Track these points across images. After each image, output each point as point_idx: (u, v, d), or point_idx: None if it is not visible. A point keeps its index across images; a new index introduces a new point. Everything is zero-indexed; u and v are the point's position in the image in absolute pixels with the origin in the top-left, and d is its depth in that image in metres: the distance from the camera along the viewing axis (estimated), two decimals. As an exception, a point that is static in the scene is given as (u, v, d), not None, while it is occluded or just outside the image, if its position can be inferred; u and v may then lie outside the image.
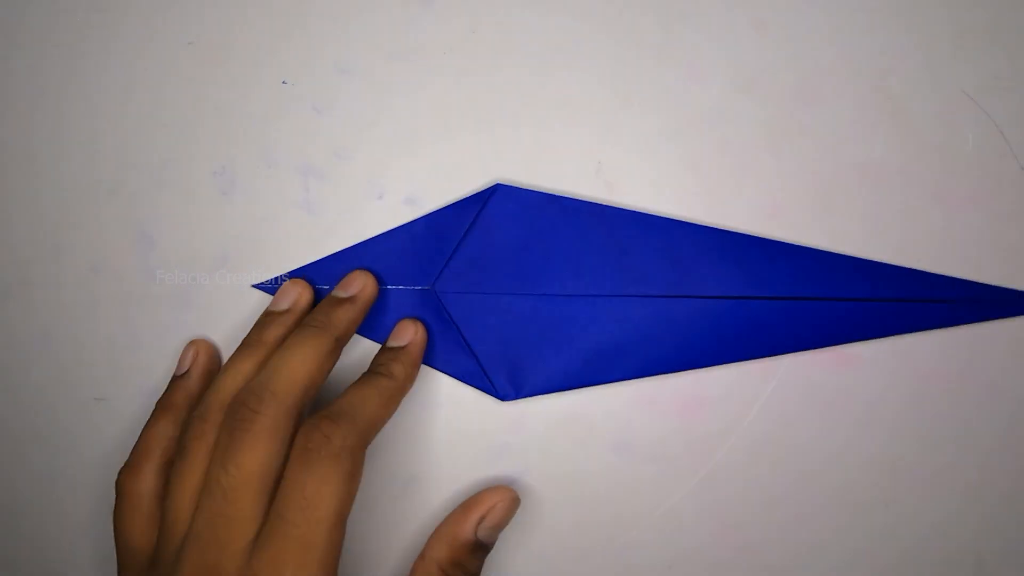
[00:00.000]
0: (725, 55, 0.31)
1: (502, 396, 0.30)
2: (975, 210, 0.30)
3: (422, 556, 0.28)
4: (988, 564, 0.30)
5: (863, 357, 0.30)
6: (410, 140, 0.31)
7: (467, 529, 0.28)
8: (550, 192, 0.30)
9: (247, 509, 0.25)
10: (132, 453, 0.28)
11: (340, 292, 0.29)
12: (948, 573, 0.30)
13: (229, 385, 0.27)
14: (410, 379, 0.29)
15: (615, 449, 0.30)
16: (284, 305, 0.30)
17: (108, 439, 0.32)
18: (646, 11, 0.31)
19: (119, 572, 0.27)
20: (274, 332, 0.29)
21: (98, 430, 0.32)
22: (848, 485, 0.30)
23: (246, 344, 0.28)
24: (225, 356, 0.31)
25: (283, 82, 0.32)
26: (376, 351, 0.30)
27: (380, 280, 0.30)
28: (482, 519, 0.28)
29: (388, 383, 0.28)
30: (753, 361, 0.30)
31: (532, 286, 0.30)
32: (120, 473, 0.28)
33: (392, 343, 0.30)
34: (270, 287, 0.31)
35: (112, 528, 0.27)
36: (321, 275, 0.31)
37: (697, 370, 0.30)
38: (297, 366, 0.27)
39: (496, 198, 0.30)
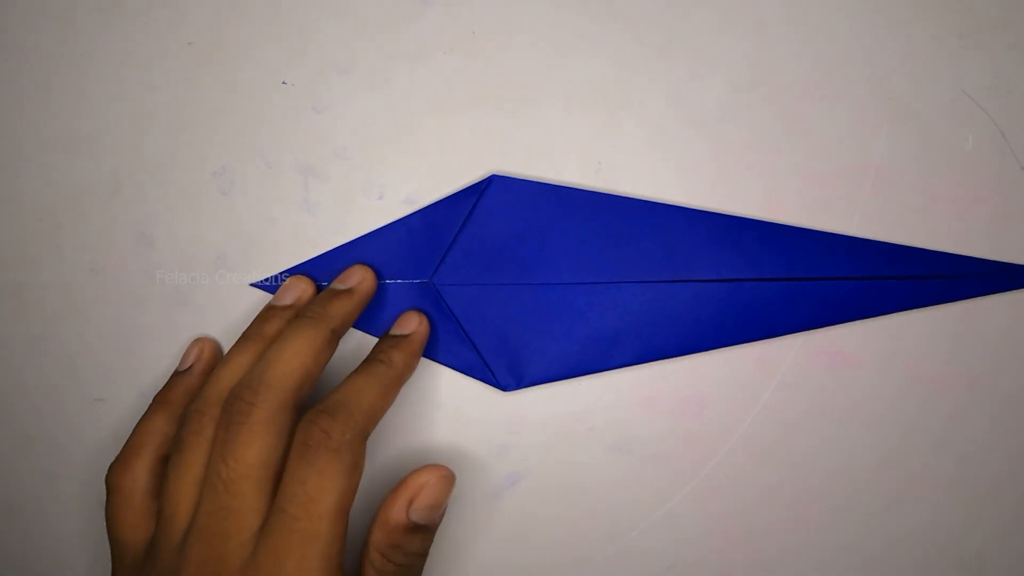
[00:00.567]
0: (725, 54, 0.31)
1: (503, 387, 0.30)
2: (975, 210, 0.30)
3: (365, 542, 0.27)
4: (989, 565, 0.30)
5: (864, 357, 0.30)
6: (409, 140, 0.31)
7: (397, 512, 0.27)
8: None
9: (249, 501, 0.25)
10: (124, 448, 0.28)
11: (338, 284, 0.30)
12: (949, 574, 0.30)
13: (227, 378, 0.27)
14: (409, 368, 0.29)
15: (615, 449, 0.30)
16: (287, 300, 0.30)
17: (108, 439, 0.32)
18: (646, 11, 0.31)
19: (113, 567, 0.27)
20: (274, 325, 0.29)
21: (98, 430, 0.32)
22: (849, 486, 0.30)
23: (245, 337, 0.29)
24: (225, 356, 0.31)
25: (283, 82, 0.32)
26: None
27: (379, 274, 0.30)
28: (412, 501, 0.27)
29: (386, 371, 0.28)
30: (753, 361, 0.30)
31: (530, 276, 0.30)
32: (110, 468, 0.28)
33: (395, 332, 0.30)
34: (269, 286, 0.31)
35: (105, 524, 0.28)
36: (320, 271, 0.31)
37: (697, 369, 0.30)
38: (292, 357, 0.27)
39: (492, 189, 0.30)
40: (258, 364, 0.27)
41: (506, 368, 0.30)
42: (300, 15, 0.32)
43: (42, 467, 0.32)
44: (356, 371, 0.28)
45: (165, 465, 0.28)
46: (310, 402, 0.27)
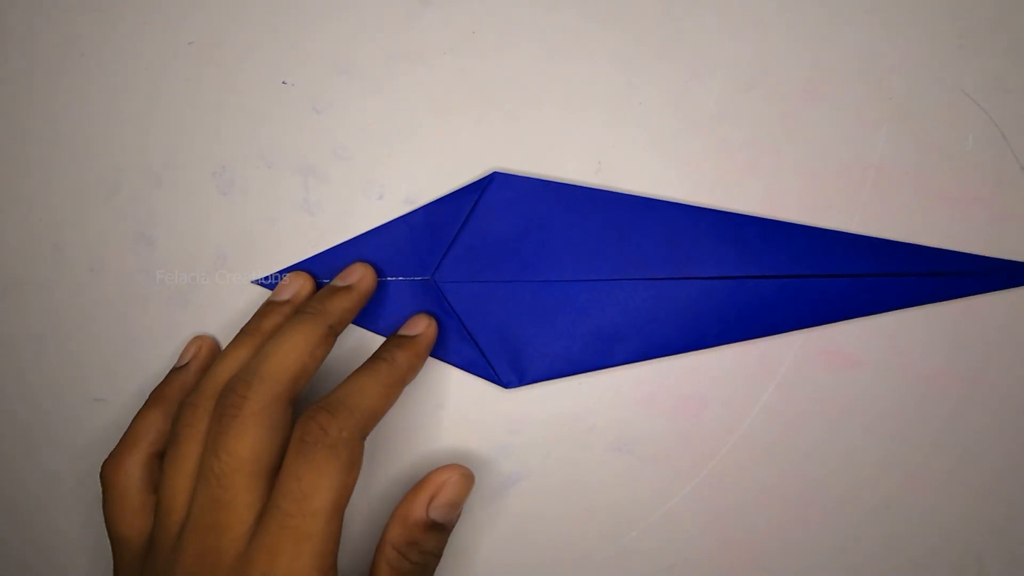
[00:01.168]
0: (725, 54, 0.31)
1: (505, 383, 0.30)
2: (975, 210, 0.30)
3: (381, 539, 0.27)
4: (988, 564, 0.30)
5: (864, 356, 0.30)
6: (410, 140, 0.31)
7: (418, 509, 0.27)
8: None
9: (242, 494, 0.25)
10: (118, 444, 0.28)
11: (338, 281, 0.30)
12: (948, 573, 0.30)
13: (223, 372, 0.27)
14: (413, 369, 0.29)
15: (615, 449, 0.30)
16: (285, 295, 0.30)
17: (107, 439, 0.32)
18: (647, 11, 0.31)
19: (115, 562, 0.27)
20: (272, 321, 0.29)
21: (98, 429, 0.32)
22: (849, 485, 0.30)
23: (244, 332, 0.29)
24: (225, 356, 0.31)
25: (283, 82, 0.32)
26: (378, 342, 0.30)
27: (380, 272, 0.30)
28: (432, 498, 0.27)
29: (389, 370, 0.28)
30: (754, 360, 0.30)
31: (532, 273, 0.30)
32: (104, 464, 0.28)
33: (403, 332, 0.30)
34: (269, 284, 0.31)
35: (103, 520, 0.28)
36: (321, 269, 0.31)
37: (697, 369, 0.30)
38: (287, 351, 0.26)
39: (493, 186, 0.30)
40: (254, 358, 0.27)
41: (508, 365, 0.30)
42: (300, 15, 0.32)
43: (43, 466, 0.32)
44: (359, 369, 0.28)
45: (160, 460, 0.28)
46: (307, 400, 0.27)
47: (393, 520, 0.27)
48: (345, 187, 0.31)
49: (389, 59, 0.31)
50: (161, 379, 0.31)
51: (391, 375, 0.28)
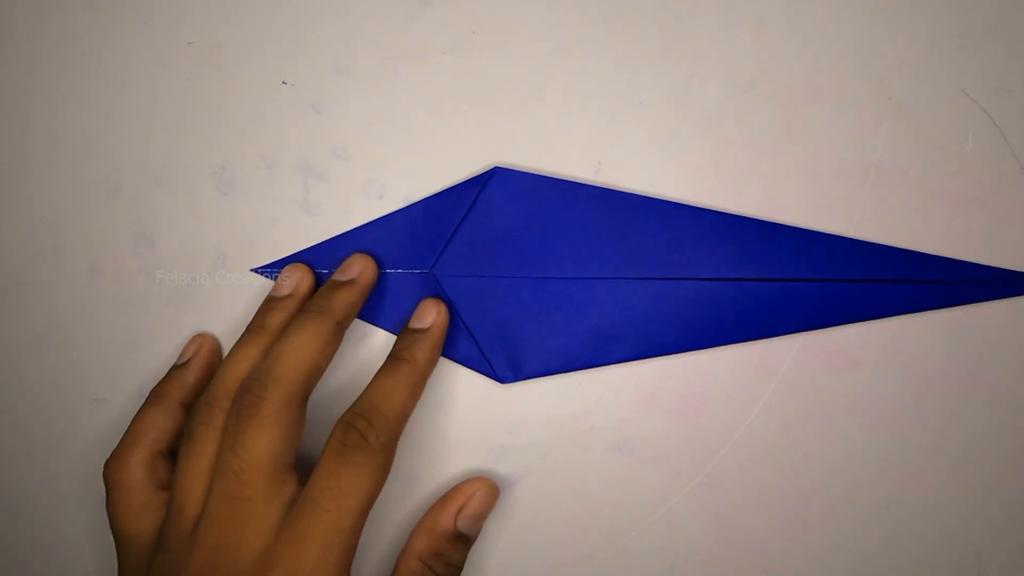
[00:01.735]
0: (725, 54, 0.31)
1: (501, 378, 0.30)
2: (975, 210, 0.30)
3: (405, 549, 0.28)
4: (988, 564, 0.30)
5: (863, 357, 0.30)
6: (410, 140, 0.31)
7: (446, 519, 0.28)
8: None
9: (261, 491, 0.25)
10: (119, 443, 0.28)
11: (340, 276, 0.30)
12: (948, 573, 0.30)
13: (235, 371, 0.28)
14: (432, 363, 0.29)
15: (615, 449, 0.30)
16: (285, 290, 0.30)
17: (108, 439, 0.32)
18: (647, 10, 0.31)
19: (120, 561, 0.27)
20: (277, 317, 0.29)
21: (98, 429, 0.32)
22: (849, 486, 0.30)
23: (250, 330, 0.29)
24: (226, 353, 0.31)
25: (283, 82, 0.32)
26: (376, 333, 0.30)
27: (379, 264, 0.30)
28: (461, 509, 0.28)
29: (410, 370, 0.28)
30: (754, 361, 0.30)
31: (531, 269, 0.30)
32: (106, 464, 0.28)
33: (414, 324, 0.29)
34: (269, 272, 0.31)
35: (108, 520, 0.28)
36: (320, 260, 0.31)
37: (697, 369, 0.30)
38: (299, 352, 0.27)
39: (494, 181, 0.30)
40: (266, 359, 0.27)
41: (504, 360, 0.30)
42: (300, 15, 0.32)
43: (43, 466, 0.32)
44: (382, 371, 0.28)
45: (162, 458, 0.28)
46: (319, 393, 0.27)
47: (419, 530, 0.28)
48: (345, 187, 0.31)
49: (389, 59, 0.31)
50: (161, 378, 0.31)
51: (414, 375, 0.28)
